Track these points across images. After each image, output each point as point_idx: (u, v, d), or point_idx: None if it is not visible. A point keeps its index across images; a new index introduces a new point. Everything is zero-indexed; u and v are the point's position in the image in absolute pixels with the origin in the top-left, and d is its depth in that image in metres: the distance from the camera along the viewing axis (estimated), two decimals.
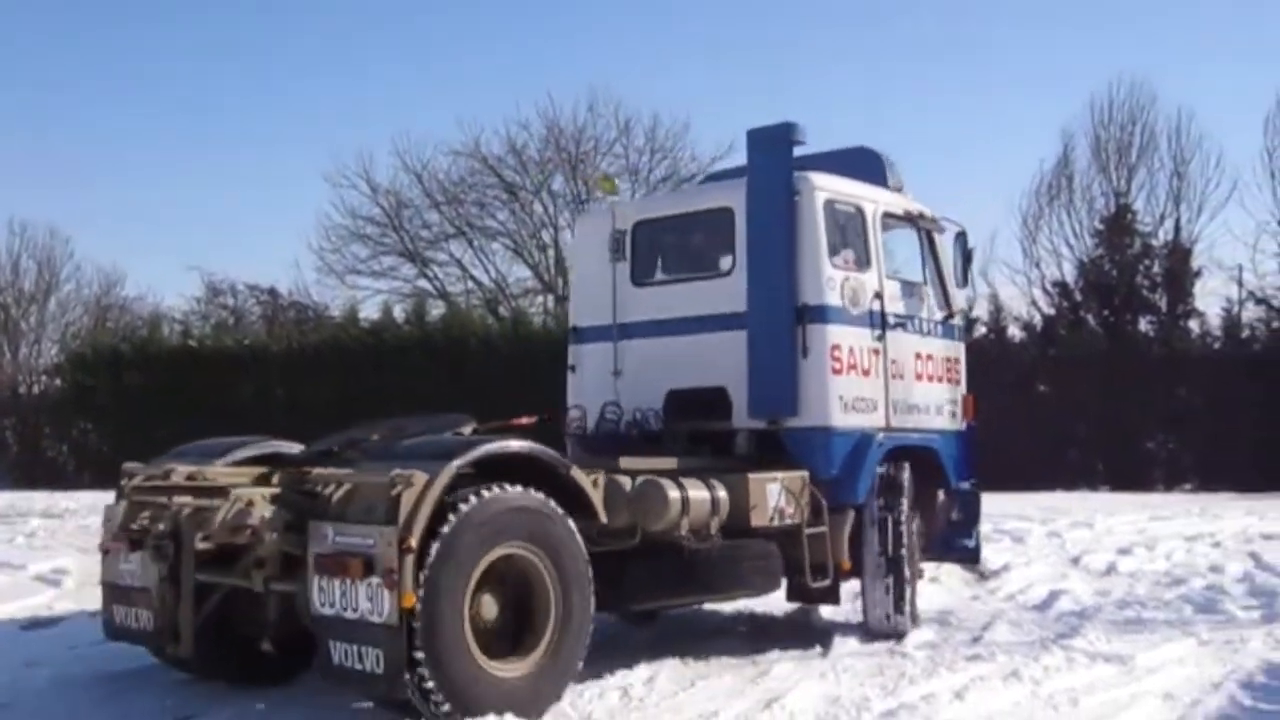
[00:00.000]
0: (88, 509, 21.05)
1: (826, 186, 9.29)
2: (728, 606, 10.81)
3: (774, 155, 9.04)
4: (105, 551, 7.97)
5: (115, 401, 29.64)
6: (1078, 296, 32.42)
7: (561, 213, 37.17)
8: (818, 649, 9.04)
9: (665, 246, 10.16)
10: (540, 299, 37.34)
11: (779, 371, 8.89)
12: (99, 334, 36.55)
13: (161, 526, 7.16)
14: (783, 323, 8.91)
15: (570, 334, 10.23)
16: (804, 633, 9.76)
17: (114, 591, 7.88)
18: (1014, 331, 31.70)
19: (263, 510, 7.02)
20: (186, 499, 7.36)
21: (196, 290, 37.05)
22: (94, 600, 10.86)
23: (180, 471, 7.76)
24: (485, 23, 58.30)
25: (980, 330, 31.59)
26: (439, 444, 7.17)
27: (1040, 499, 22.49)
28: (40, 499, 23.49)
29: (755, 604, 10.48)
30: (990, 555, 14.19)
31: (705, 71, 54.86)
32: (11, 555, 13.69)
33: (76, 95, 57.24)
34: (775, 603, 10.14)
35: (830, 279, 9.07)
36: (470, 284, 37.79)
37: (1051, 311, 32.37)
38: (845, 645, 9.12)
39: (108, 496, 7.76)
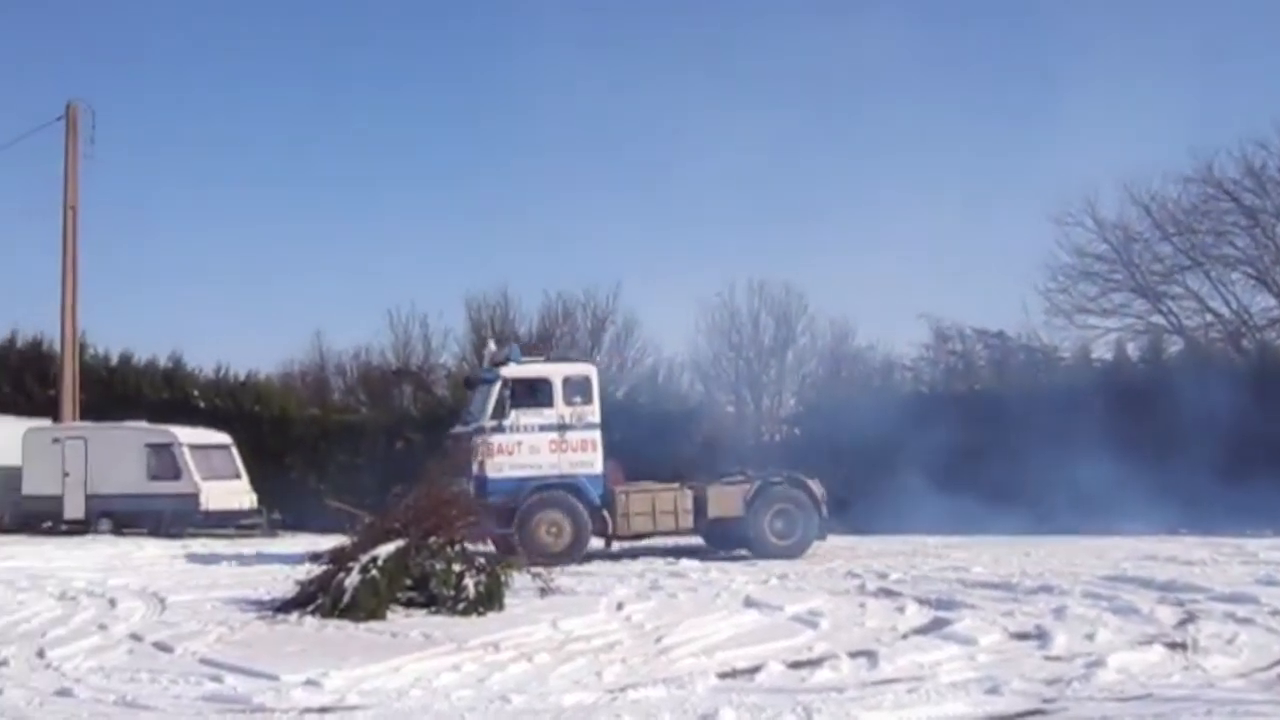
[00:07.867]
0: (828, 552, 21.63)
1: None
2: None
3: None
4: None
5: (843, 448, 29.78)
6: None
7: None
8: None
9: None
10: None
11: None
12: (833, 384, 37.95)
13: None
14: None
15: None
16: None
17: None
18: None
19: None
20: None
21: (925, 338, 37.49)
22: (851, 641, 10.95)
23: None
24: (1222, 42, 54.70)
25: None
26: None
27: None
28: None
29: None
30: None
31: None
32: (769, 597, 14.31)
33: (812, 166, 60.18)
34: None
35: None
36: (1209, 317, 35.32)
37: None
38: None
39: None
